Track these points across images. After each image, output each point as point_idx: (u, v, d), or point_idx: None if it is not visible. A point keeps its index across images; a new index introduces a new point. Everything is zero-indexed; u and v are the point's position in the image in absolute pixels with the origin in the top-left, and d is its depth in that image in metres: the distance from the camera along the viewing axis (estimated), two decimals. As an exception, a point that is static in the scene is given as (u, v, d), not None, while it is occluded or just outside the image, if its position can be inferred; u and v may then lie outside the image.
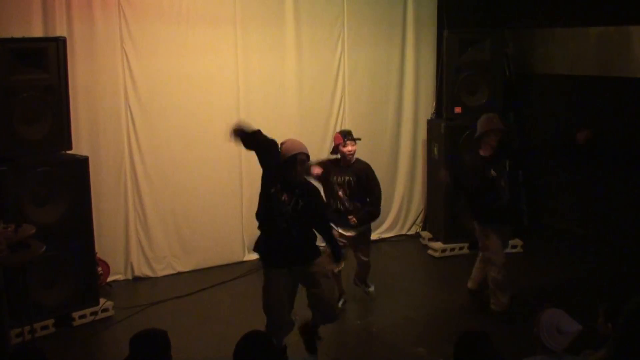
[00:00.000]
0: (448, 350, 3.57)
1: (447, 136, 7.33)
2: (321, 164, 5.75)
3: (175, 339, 3.61)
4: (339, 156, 5.85)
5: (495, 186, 5.67)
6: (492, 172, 5.65)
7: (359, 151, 5.89)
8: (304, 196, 4.63)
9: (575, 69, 7.43)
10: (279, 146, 4.70)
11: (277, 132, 7.34)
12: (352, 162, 5.80)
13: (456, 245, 7.41)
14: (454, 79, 7.32)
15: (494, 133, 5.63)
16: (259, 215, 4.75)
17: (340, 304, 5.98)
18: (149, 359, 3.40)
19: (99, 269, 6.25)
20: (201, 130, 6.96)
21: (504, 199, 5.73)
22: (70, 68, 5.82)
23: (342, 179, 5.75)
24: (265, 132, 7.21)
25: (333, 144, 5.83)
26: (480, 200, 5.72)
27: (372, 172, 5.88)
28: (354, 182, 5.75)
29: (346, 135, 5.74)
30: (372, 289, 6.17)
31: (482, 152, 5.73)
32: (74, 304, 5.77)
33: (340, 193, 5.75)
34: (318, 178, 5.52)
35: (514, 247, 7.24)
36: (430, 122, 7.83)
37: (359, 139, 5.84)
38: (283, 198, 4.59)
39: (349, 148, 5.73)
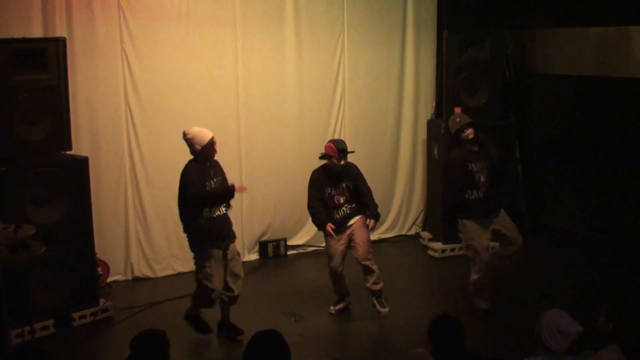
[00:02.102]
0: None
1: (447, 136, 7.30)
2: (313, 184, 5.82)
3: (175, 339, 3.61)
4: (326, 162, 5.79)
5: (474, 180, 5.65)
6: (471, 166, 5.65)
7: (359, 151, 5.88)
8: (215, 168, 5.40)
9: (575, 69, 7.43)
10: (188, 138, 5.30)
11: (277, 132, 7.46)
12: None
13: (456, 246, 7.38)
14: (454, 79, 7.32)
15: (466, 127, 5.70)
16: (189, 216, 5.40)
17: (344, 305, 6.00)
18: (149, 359, 3.41)
19: (99, 269, 6.25)
20: (201, 130, 6.96)
21: (481, 192, 5.65)
22: (70, 68, 5.83)
23: (340, 186, 5.75)
24: (265, 132, 7.32)
25: (324, 152, 5.74)
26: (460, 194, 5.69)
27: (360, 170, 5.89)
28: (352, 185, 5.78)
29: (342, 151, 5.65)
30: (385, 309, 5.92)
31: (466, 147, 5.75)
32: (74, 304, 5.76)
33: (342, 199, 5.76)
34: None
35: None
36: (430, 123, 7.83)
37: (353, 152, 5.80)
38: (210, 184, 5.32)
39: (342, 163, 5.69)
